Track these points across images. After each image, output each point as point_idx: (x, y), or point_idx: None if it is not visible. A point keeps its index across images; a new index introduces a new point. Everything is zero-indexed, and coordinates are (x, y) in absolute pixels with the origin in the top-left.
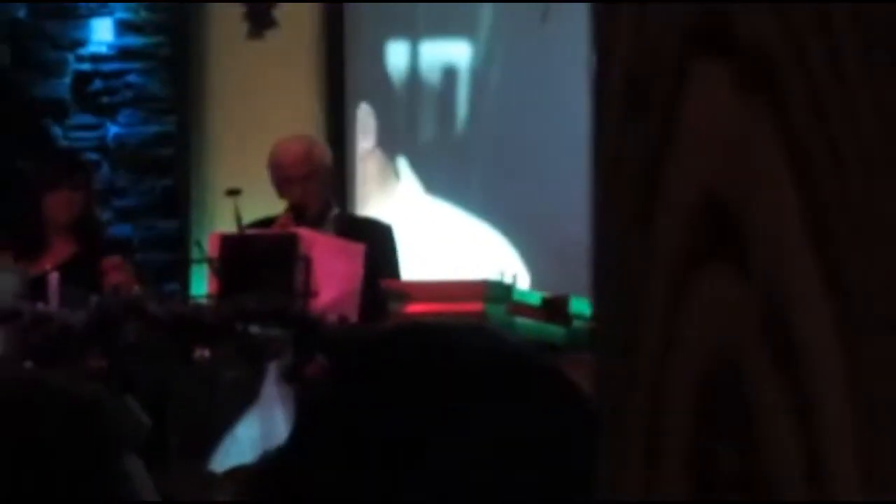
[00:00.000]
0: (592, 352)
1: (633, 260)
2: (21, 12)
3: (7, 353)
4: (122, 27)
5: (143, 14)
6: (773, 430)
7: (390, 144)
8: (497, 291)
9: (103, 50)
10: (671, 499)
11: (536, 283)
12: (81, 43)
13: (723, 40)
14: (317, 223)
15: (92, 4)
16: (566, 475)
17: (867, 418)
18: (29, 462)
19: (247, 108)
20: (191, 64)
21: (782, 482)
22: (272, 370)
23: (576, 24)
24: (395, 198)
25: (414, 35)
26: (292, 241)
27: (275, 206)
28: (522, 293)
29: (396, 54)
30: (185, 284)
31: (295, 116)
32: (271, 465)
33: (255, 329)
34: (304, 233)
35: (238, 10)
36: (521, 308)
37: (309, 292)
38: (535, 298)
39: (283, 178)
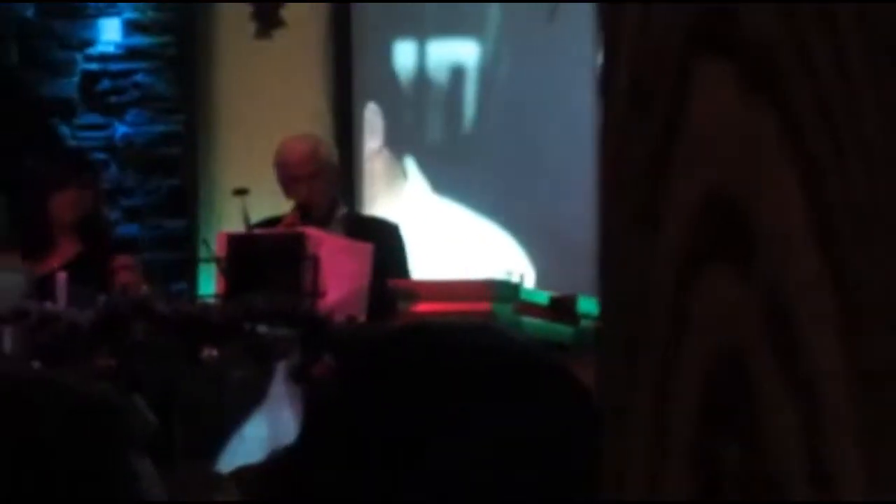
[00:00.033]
0: (597, 351)
1: (637, 259)
2: (29, 12)
3: (15, 353)
4: (130, 27)
5: (151, 14)
6: (777, 429)
7: (398, 144)
8: (504, 291)
9: (111, 49)
10: (675, 498)
11: (544, 282)
12: (89, 42)
13: (727, 40)
14: (323, 222)
15: (100, 4)
16: (574, 474)
17: (871, 418)
18: (36, 462)
19: (254, 107)
20: (198, 64)
21: (786, 481)
22: (280, 370)
23: (582, 24)
24: (402, 197)
25: (421, 35)
26: (300, 240)
27: (282, 205)
28: (530, 292)
29: (404, 54)
30: (192, 284)
31: (302, 116)
32: (279, 464)
33: (262, 329)
34: (312, 232)
35: (245, 9)
36: (529, 307)
37: (317, 292)
38: (543, 298)
39: (288, 177)
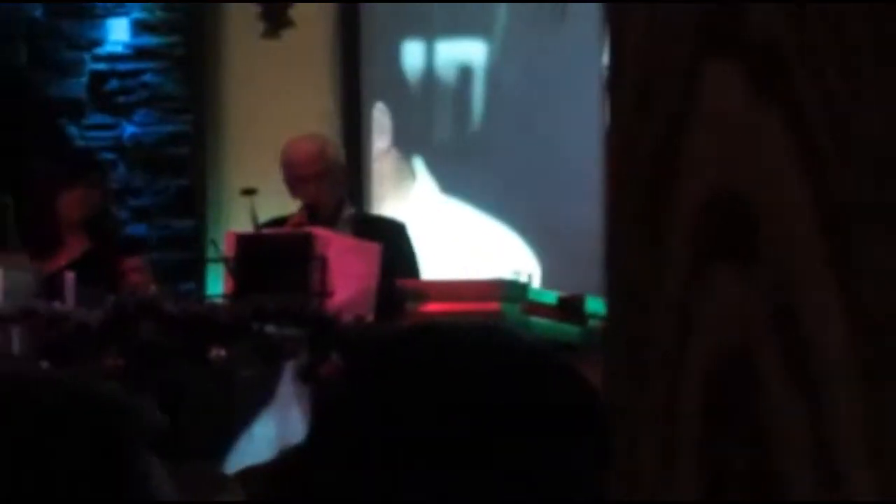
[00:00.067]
0: (604, 351)
1: (644, 258)
2: (37, 12)
3: (23, 352)
4: (138, 27)
5: (159, 14)
6: (784, 429)
7: (406, 144)
8: (512, 291)
9: (119, 49)
10: (683, 498)
11: (551, 282)
12: (97, 42)
13: (734, 39)
14: (331, 222)
15: (108, 4)
16: (582, 474)
17: (878, 417)
18: (45, 462)
19: (262, 107)
20: (206, 63)
21: (794, 481)
22: (288, 370)
23: (590, 24)
24: (410, 197)
25: (429, 34)
26: (308, 240)
27: (290, 205)
28: (538, 292)
29: (412, 54)
30: (200, 284)
31: (310, 116)
32: (288, 464)
33: (270, 328)
34: (320, 232)
35: (253, 9)
36: (537, 307)
37: (324, 292)
38: (551, 298)
39: (295, 177)
